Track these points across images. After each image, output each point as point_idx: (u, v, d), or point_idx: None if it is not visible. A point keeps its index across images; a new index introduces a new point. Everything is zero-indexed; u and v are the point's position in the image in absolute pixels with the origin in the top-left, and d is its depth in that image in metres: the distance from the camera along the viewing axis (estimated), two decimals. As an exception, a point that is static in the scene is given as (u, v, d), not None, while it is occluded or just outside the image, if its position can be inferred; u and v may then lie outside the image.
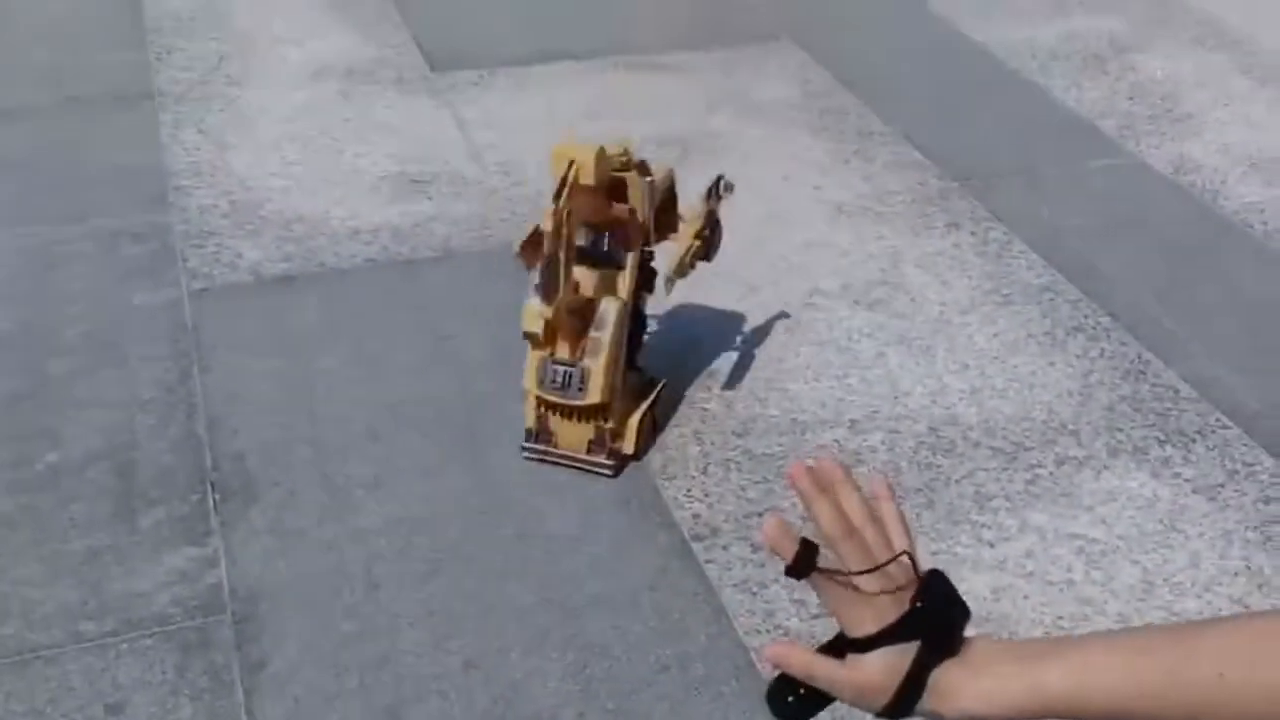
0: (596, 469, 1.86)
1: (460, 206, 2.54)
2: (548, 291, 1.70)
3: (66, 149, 2.75)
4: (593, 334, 1.82)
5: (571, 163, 1.71)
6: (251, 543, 1.75)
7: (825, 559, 0.94)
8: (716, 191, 1.96)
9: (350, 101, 2.95)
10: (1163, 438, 1.97)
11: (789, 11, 3.44)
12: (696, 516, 1.80)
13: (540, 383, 1.82)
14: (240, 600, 1.66)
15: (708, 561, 1.73)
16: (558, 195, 1.70)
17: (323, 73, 3.08)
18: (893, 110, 2.94)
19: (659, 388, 1.97)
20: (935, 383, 2.08)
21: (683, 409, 2.00)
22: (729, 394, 2.04)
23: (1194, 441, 1.96)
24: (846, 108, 2.96)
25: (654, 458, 1.90)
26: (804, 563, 0.94)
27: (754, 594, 1.68)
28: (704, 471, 1.88)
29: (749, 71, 3.13)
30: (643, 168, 1.85)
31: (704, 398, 2.03)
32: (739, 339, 2.18)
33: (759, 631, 1.62)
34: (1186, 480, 1.88)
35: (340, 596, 1.67)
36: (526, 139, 2.79)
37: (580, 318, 1.82)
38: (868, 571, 0.96)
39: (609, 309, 1.83)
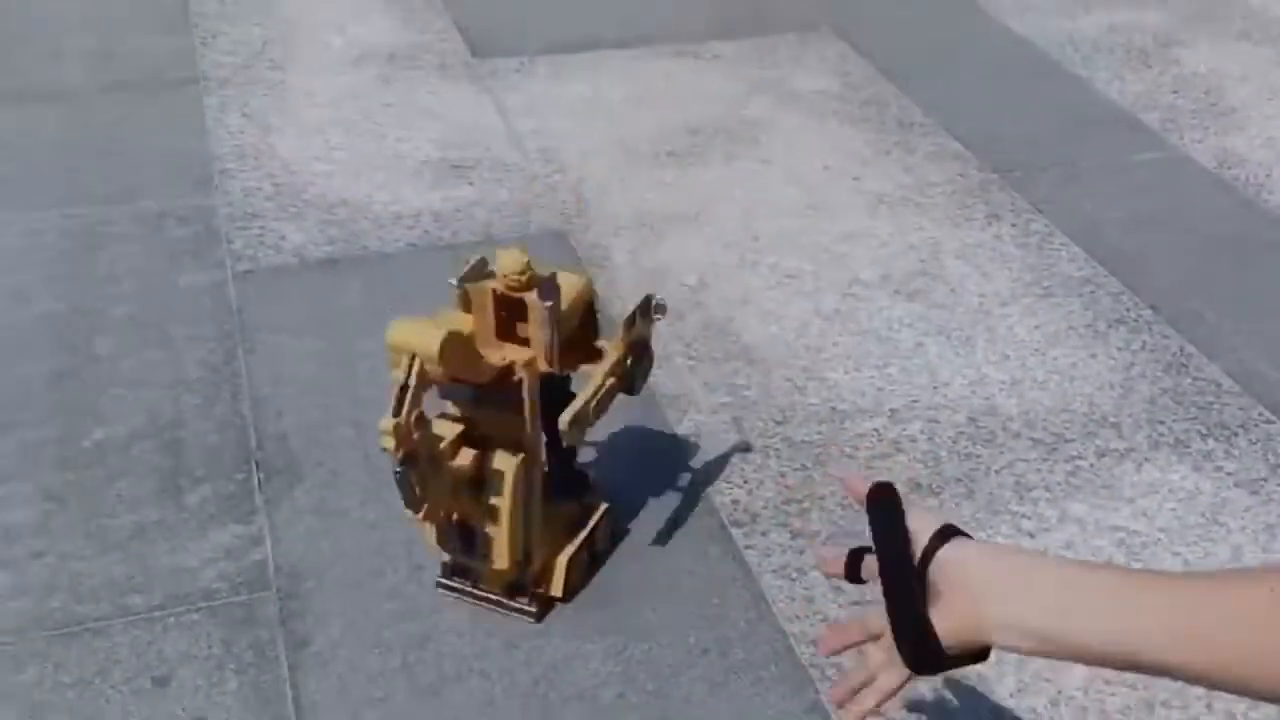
0: (519, 614, 1.63)
1: (501, 192, 2.55)
2: (409, 501, 1.44)
3: (112, 132, 2.78)
4: (491, 500, 1.52)
5: (412, 358, 1.36)
6: (295, 522, 1.77)
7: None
8: (647, 313, 1.61)
9: (392, 87, 2.97)
10: (1205, 431, 1.96)
11: (829, 1, 3.44)
12: (735, 503, 1.81)
13: (440, 541, 1.59)
14: (284, 578, 1.68)
15: (747, 547, 1.73)
16: (398, 404, 1.35)
17: (365, 58, 3.10)
18: (934, 101, 2.94)
19: (598, 516, 1.69)
20: (975, 373, 2.08)
21: (721, 396, 2.01)
22: (767, 382, 2.05)
23: (1236, 435, 1.95)
24: (887, 98, 2.96)
25: (690, 445, 1.91)
26: (852, 572, 1.04)
27: (793, 580, 1.68)
28: (743, 458, 1.89)
29: (789, 61, 3.12)
30: (546, 287, 1.47)
31: (742, 385, 2.04)
32: (778, 327, 2.18)
33: (798, 617, 1.63)
34: (1229, 474, 1.88)
35: (383, 576, 1.68)
36: (567, 126, 2.81)
37: (475, 478, 1.52)
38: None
39: (504, 471, 1.50)
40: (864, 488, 1.02)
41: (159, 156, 2.68)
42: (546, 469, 1.61)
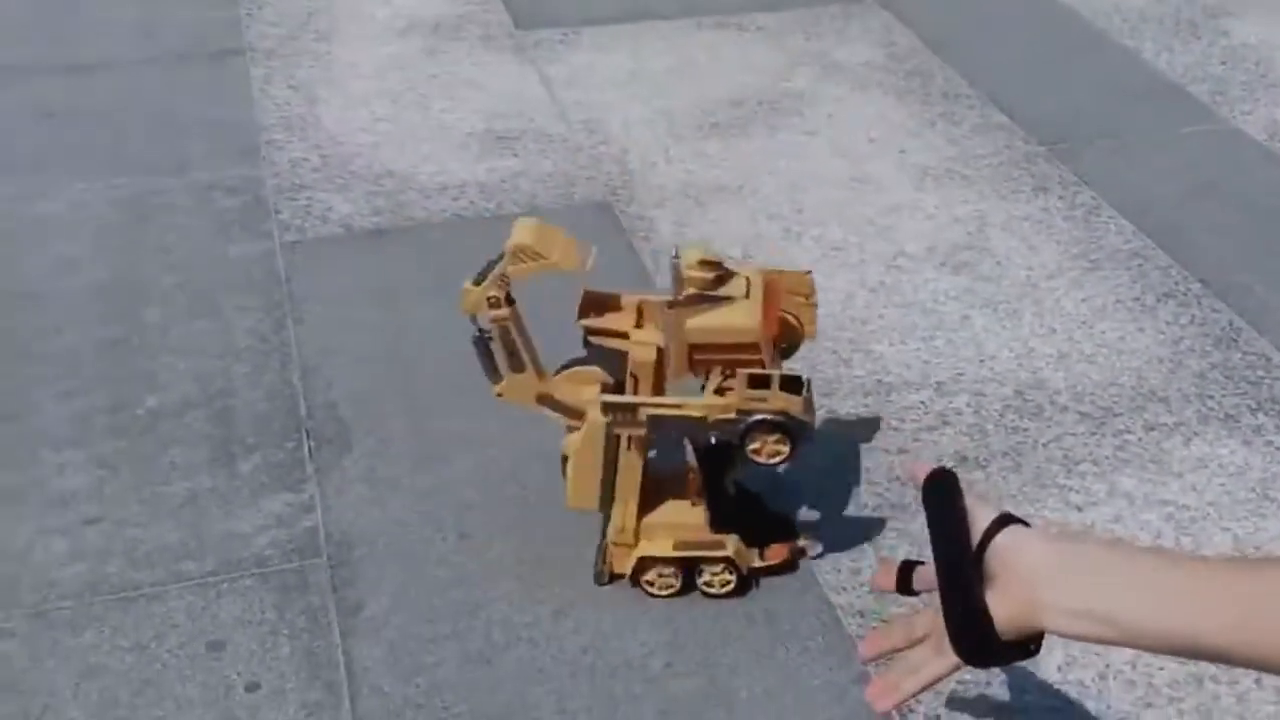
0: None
1: (545, 163, 2.56)
2: (485, 370, 1.56)
3: (158, 102, 2.80)
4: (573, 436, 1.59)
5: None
6: (346, 490, 1.78)
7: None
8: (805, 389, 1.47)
9: (436, 58, 2.97)
10: (1254, 405, 1.95)
11: (874, -28, 3.41)
12: (781, 478, 1.81)
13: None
14: (335, 545, 1.70)
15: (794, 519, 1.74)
16: (481, 274, 1.48)
17: (409, 29, 3.10)
18: (979, 73, 2.91)
19: (733, 548, 1.59)
20: (1022, 346, 2.07)
21: None
22: (812, 354, 2.04)
23: (1286, 410, 1.94)
24: (932, 70, 2.94)
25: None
26: (904, 584, 1.06)
27: (840, 551, 1.69)
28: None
29: (832, 33, 3.11)
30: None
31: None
32: (823, 300, 2.17)
33: (844, 589, 1.63)
34: (1279, 449, 1.87)
35: (432, 545, 1.70)
36: (611, 97, 2.81)
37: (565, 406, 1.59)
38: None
39: (588, 417, 1.54)
40: (924, 473, 1.02)
41: (206, 127, 2.70)
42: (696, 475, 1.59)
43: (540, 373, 1.55)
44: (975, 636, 0.90)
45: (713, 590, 1.61)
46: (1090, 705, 1.48)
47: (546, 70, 2.92)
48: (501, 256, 1.46)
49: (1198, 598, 0.82)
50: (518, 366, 1.53)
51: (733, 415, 1.45)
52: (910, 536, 1.67)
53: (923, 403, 1.95)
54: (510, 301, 1.48)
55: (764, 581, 1.64)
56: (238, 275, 2.24)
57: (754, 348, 1.46)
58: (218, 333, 2.09)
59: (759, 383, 1.45)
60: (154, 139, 2.66)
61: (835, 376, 2.00)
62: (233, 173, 2.52)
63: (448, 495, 1.77)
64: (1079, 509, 1.76)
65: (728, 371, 1.48)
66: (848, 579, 1.65)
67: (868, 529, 1.71)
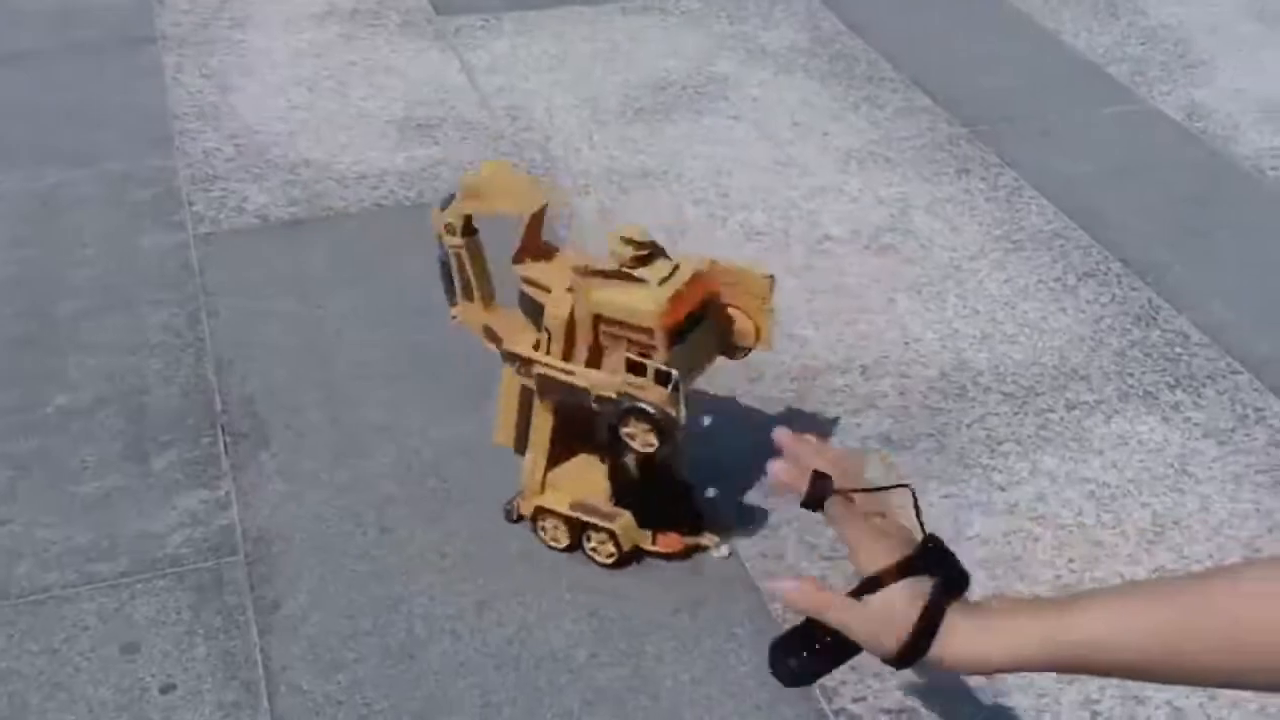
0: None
1: (467, 151, 2.52)
2: (445, 291, 1.62)
3: (71, 92, 2.73)
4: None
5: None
6: (263, 486, 1.75)
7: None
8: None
9: (354, 45, 2.93)
10: (1173, 382, 1.96)
11: (797, -45, 3.41)
12: (707, 461, 1.80)
13: None
14: (253, 542, 1.66)
15: (719, 506, 1.73)
16: (446, 200, 1.56)
17: (327, 16, 3.05)
18: (902, 56, 2.92)
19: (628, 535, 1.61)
20: (945, 328, 2.07)
21: None
22: (739, 339, 2.04)
23: (1204, 386, 1.96)
24: (855, 53, 2.94)
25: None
26: (818, 492, 0.96)
27: (765, 538, 1.68)
28: (715, 417, 1.88)
29: (757, 17, 3.10)
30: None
31: None
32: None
33: (770, 575, 1.62)
34: (1196, 424, 1.88)
35: (352, 539, 1.67)
36: (534, 83, 2.78)
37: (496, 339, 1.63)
38: (874, 490, 0.97)
39: (505, 367, 1.62)
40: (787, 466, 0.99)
41: (118, 117, 2.64)
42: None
43: (488, 305, 1.58)
44: (918, 647, 0.89)
45: (597, 558, 1.63)
46: (1011, 681, 1.48)
47: (467, 57, 2.88)
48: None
49: (1138, 618, 0.83)
50: (467, 294, 1.58)
51: (613, 395, 1.48)
52: (835, 520, 1.67)
53: (848, 386, 1.95)
54: (469, 231, 1.54)
55: (687, 570, 1.63)
56: (151, 268, 2.18)
57: (649, 332, 1.46)
58: (130, 327, 2.05)
59: (636, 369, 1.46)
60: (64, 130, 2.59)
61: (760, 360, 1.99)
62: (145, 163, 2.47)
63: (367, 489, 1.74)
64: (1002, 488, 1.76)
65: (637, 349, 1.48)
66: (773, 564, 1.64)
67: (790, 515, 1.71)
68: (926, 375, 1.97)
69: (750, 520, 1.70)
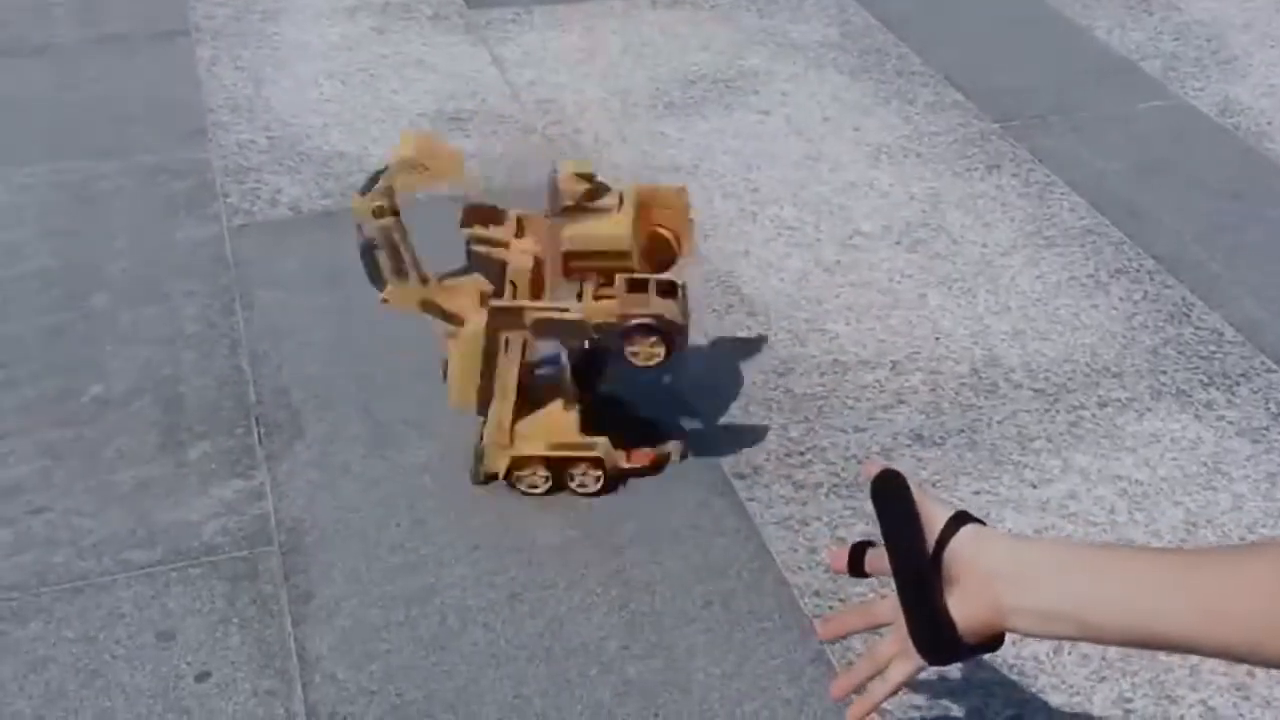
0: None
1: (498, 144, 2.53)
2: (370, 278, 1.66)
3: (103, 85, 2.75)
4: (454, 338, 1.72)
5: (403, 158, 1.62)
6: (297, 476, 1.76)
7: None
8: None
9: (386, 38, 2.94)
10: (1206, 380, 1.96)
11: (828, -50, 3.40)
12: (738, 455, 1.80)
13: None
14: (287, 532, 1.67)
15: (749, 500, 1.73)
16: (370, 181, 1.60)
17: (358, 9, 3.06)
18: (933, 51, 2.91)
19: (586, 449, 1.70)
20: (977, 324, 2.07)
21: (722, 349, 2.00)
22: (769, 334, 2.04)
23: (1238, 385, 1.95)
24: (886, 48, 2.93)
25: (690, 398, 1.90)
26: (856, 567, 1.06)
27: (795, 531, 1.68)
28: (745, 410, 1.88)
29: (787, 10, 3.09)
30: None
31: (743, 337, 2.03)
32: (778, 279, 2.17)
33: (801, 569, 1.63)
34: (1230, 423, 1.87)
35: (385, 530, 1.68)
36: (564, 77, 2.78)
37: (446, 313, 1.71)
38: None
39: (467, 325, 1.68)
40: (875, 470, 1.01)
41: (151, 110, 2.65)
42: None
43: (424, 279, 1.62)
44: (939, 641, 0.90)
45: (586, 489, 1.69)
46: (1044, 680, 1.48)
47: (498, 50, 2.89)
48: (386, 168, 1.56)
49: (1154, 590, 0.82)
50: (402, 273, 1.60)
51: (613, 320, 1.55)
52: (867, 516, 1.66)
53: (878, 381, 1.94)
54: (395, 212, 1.57)
55: (719, 563, 1.64)
56: (185, 259, 2.20)
57: (625, 255, 1.55)
58: (165, 318, 2.06)
59: (637, 287, 1.56)
60: (98, 122, 2.61)
61: (791, 356, 1.99)
62: (179, 155, 2.48)
63: (400, 481, 1.75)
64: (1034, 485, 1.76)
65: (601, 280, 1.57)
66: (804, 558, 1.64)
67: (823, 508, 1.71)
68: (957, 371, 1.97)
69: (782, 516, 1.70)
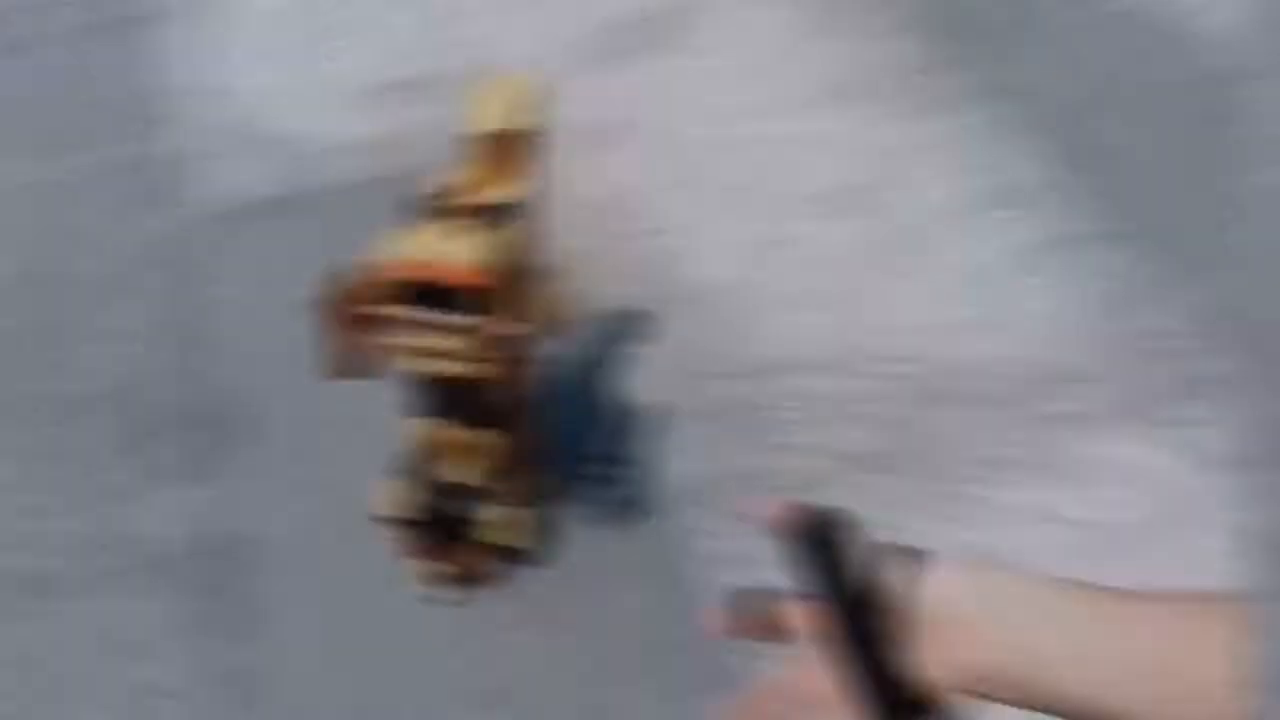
0: None
1: (451, 111, 2.47)
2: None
3: (54, 78, 2.74)
4: None
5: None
6: (256, 481, 1.81)
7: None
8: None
9: (345, 6, 2.84)
10: (1180, 379, 1.88)
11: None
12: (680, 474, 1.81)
13: None
14: (244, 539, 1.73)
15: (675, 530, 1.74)
16: None
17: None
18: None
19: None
20: (927, 311, 2.02)
21: (649, 348, 1.98)
22: (702, 329, 2.00)
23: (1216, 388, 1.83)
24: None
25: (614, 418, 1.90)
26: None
27: (726, 543, 1.68)
28: (678, 428, 1.87)
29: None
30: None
31: (677, 333, 2.00)
32: (715, 249, 2.14)
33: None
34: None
35: (345, 538, 1.70)
36: (512, 32, 2.68)
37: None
38: None
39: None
40: (785, 514, 0.83)
41: (105, 101, 2.64)
42: None
43: None
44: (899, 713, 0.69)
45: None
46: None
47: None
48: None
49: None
50: None
51: None
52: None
53: (814, 388, 1.90)
54: None
55: (656, 583, 1.63)
56: (145, 253, 2.22)
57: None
58: (127, 315, 2.10)
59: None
60: (53, 116, 2.61)
61: (721, 355, 1.96)
62: (135, 147, 2.48)
63: (361, 487, 1.71)
64: (989, 493, 1.75)
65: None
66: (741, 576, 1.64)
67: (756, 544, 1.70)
68: (911, 359, 1.92)
69: (719, 532, 1.69)
